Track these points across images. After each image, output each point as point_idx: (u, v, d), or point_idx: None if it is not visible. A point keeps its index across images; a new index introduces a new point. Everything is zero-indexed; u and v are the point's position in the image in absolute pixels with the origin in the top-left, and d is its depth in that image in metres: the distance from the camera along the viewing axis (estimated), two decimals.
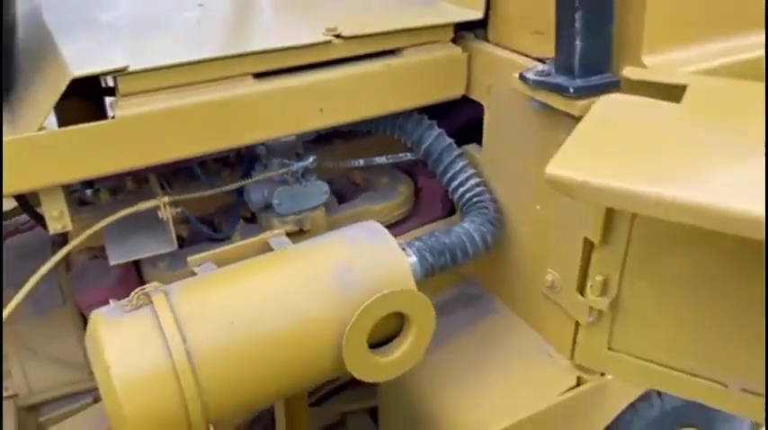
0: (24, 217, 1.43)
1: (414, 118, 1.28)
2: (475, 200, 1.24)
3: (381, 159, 1.33)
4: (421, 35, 1.17)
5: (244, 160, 1.35)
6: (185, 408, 0.84)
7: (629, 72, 0.91)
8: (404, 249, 1.07)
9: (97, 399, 1.29)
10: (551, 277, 1.16)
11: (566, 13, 0.90)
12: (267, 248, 1.05)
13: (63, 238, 1.21)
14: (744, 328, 0.99)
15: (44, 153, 0.92)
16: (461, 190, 1.25)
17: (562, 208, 1.09)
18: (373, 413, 1.56)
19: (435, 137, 1.28)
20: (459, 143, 1.30)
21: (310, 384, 1.03)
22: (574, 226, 1.07)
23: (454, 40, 1.23)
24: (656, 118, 0.81)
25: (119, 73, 0.94)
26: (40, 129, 0.91)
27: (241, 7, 1.28)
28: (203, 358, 0.86)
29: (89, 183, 1.34)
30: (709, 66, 0.95)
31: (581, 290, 1.10)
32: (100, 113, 1.17)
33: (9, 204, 1.41)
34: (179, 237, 1.28)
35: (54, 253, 1.03)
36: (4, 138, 0.89)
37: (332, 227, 1.32)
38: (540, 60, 1.06)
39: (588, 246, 1.06)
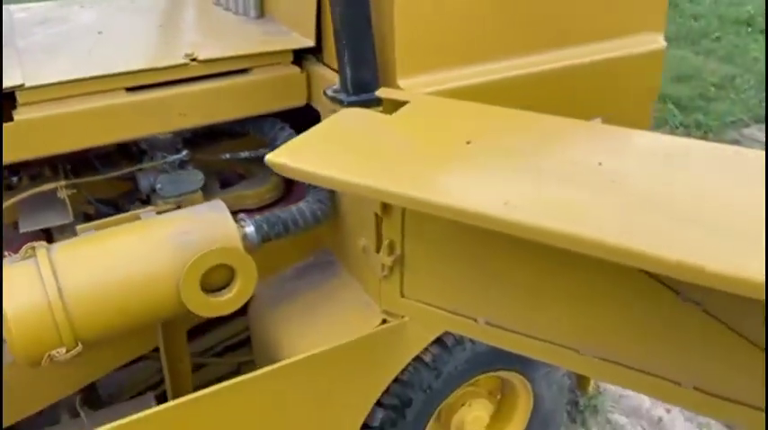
0: None
1: (269, 121, 1.64)
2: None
3: (245, 154, 1.69)
4: (265, 58, 1.52)
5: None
6: (58, 331, 1.19)
7: (380, 92, 1.27)
8: (244, 221, 1.44)
9: None
10: (362, 242, 1.53)
11: (339, 50, 1.26)
12: (137, 219, 1.41)
13: None
14: (500, 278, 1.34)
15: None
16: None
17: None
18: None
19: (286, 136, 1.63)
20: None
21: (161, 318, 1.37)
22: (369, 203, 1.43)
23: (299, 62, 1.59)
24: (367, 125, 1.16)
25: (17, 88, 1.29)
26: None
27: (128, 33, 1.63)
28: (72, 294, 1.20)
29: (15, 172, 1.68)
30: (450, 86, 1.32)
31: (378, 251, 1.46)
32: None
33: None
34: (86, 215, 1.63)
35: None
36: None
37: None
38: None
39: (379, 218, 1.42)
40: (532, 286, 1.25)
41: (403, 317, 1.55)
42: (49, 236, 1.62)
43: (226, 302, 1.33)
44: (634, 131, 1.11)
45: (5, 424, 1.47)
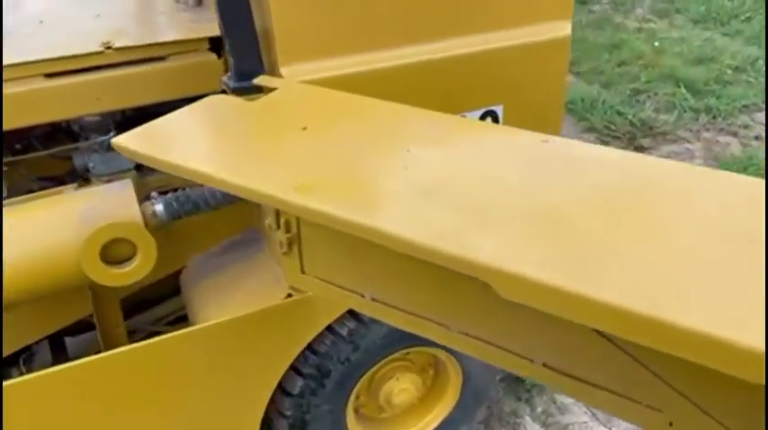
0: None
1: None
2: None
3: None
4: (179, 46, 1.62)
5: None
6: None
7: (258, 79, 1.35)
8: (154, 199, 1.55)
9: None
10: (268, 221, 1.62)
11: (222, 39, 1.35)
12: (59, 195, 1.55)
13: None
14: (373, 256, 1.42)
15: None
16: None
17: None
18: None
19: None
20: None
21: (70, 285, 1.51)
22: None
23: (216, 49, 1.69)
24: (222, 111, 1.25)
25: None
26: None
27: (66, 22, 1.76)
28: None
29: None
30: (330, 74, 1.39)
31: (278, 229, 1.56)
32: None
33: None
34: (30, 191, 1.78)
35: None
36: None
37: (143, 186, 1.80)
38: None
39: None
40: (397, 266, 1.32)
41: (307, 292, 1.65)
42: None
43: (125, 274, 1.46)
44: (476, 123, 1.17)
45: None
